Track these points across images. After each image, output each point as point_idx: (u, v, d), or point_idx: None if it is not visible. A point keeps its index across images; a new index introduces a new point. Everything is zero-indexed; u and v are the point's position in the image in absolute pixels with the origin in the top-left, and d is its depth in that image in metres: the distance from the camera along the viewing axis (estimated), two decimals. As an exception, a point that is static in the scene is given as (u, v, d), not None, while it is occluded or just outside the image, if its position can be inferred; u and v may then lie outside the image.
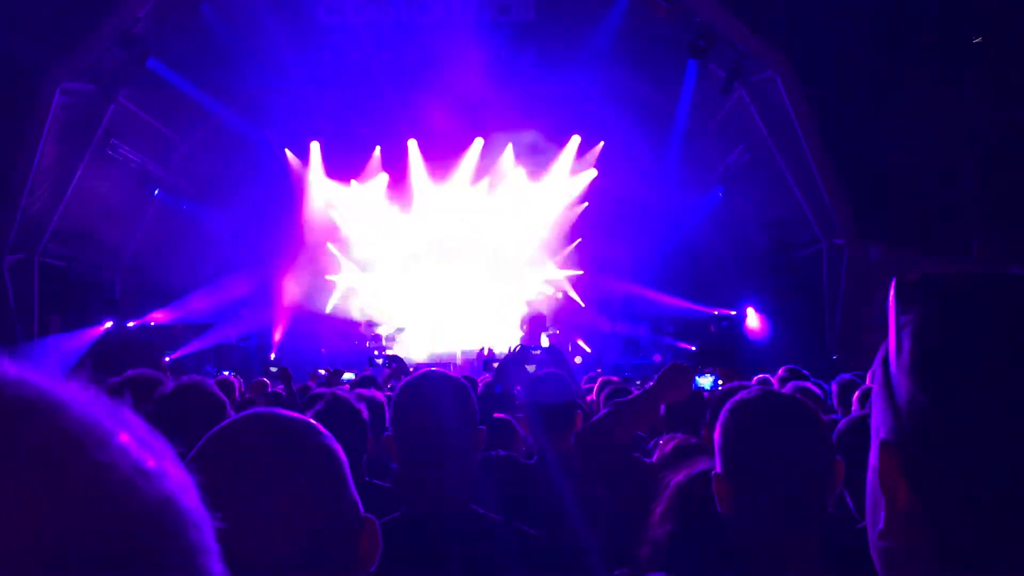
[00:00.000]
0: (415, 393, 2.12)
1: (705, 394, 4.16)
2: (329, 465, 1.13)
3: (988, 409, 0.62)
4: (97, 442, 0.45)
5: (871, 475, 0.73)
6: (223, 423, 1.17)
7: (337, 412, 3.01)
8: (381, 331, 16.65)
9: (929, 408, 0.66)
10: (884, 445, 0.70)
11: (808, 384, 4.89)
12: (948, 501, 0.64)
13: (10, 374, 0.45)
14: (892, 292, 0.73)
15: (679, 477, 2.13)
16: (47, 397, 0.45)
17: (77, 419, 0.45)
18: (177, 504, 0.47)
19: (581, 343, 16.57)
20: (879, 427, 0.72)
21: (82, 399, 0.46)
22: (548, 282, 18.24)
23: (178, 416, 2.27)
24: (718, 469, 1.61)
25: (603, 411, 2.90)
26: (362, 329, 17.36)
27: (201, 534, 0.49)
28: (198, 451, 1.12)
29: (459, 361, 16.00)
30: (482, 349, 15.46)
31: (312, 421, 1.18)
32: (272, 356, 12.32)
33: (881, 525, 0.70)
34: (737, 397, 1.69)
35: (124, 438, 0.46)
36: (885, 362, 0.73)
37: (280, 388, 6.55)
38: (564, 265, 18.48)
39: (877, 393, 0.74)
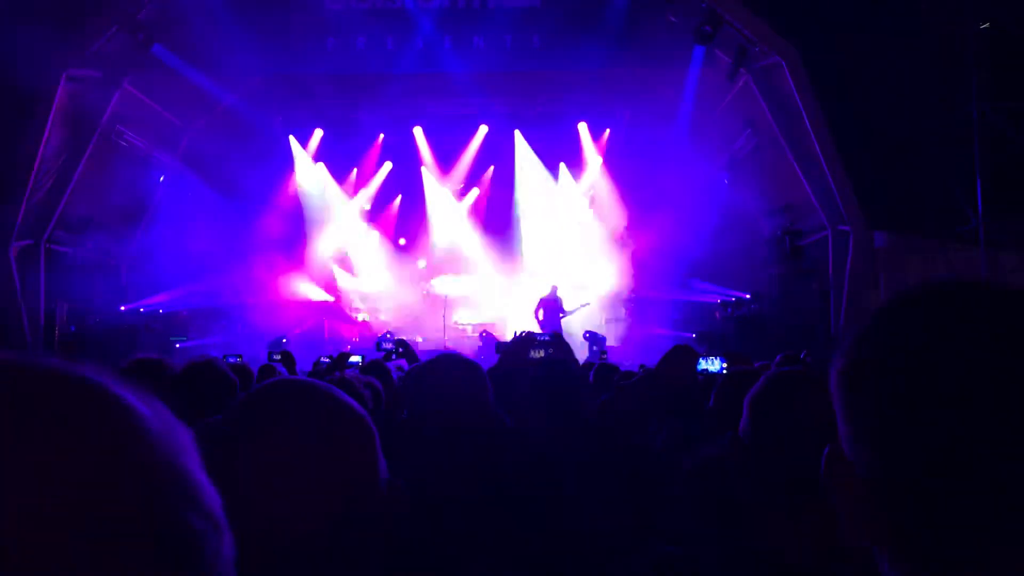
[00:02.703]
0: (432, 372, 2.14)
1: (700, 379, 4.18)
2: (364, 430, 1.14)
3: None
4: (121, 413, 0.50)
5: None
6: (256, 388, 1.18)
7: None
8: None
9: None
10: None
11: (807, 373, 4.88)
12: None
13: (44, 362, 0.51)
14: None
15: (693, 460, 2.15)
16: (77, 377, 0.50)
17: (104, 393, 0.50)
18: (183, 470, 0.51)
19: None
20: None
21: (108, 378, 0.52)
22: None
23: (191, 393, 2.30)
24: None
25: (606, 395, 2.92)
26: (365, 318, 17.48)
27: (215, 532, 0.52)
28: (232, 415, 1.14)
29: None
30: (482, 332, 15.53)
31: (335, 388, 1.19)
32: (284, 340, 12.34)
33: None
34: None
35: (146, 411, 0.51)
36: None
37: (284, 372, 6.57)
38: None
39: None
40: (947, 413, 0.66)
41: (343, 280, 18.35)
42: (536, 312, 15.66)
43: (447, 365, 2.18)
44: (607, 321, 16.60)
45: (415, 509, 1.98)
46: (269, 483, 1.05)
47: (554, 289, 16.02)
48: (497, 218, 18.89)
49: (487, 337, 15.19)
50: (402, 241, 18.64)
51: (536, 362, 3.30)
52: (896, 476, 0.69)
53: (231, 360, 7.23)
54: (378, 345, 6.48)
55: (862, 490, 0.72)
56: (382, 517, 1.11)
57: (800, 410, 1.64)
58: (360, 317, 17.43)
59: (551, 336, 4.62)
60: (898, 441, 0.69)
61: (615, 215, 17.95)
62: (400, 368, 5.95)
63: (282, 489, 1.05)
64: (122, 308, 14.38)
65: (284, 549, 1.04)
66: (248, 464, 1.07)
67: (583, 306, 15.96)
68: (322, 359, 7.16)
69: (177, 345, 14.48)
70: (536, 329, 14.39)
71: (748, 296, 14.22)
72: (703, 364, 4.38)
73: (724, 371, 4.93)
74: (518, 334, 3.91)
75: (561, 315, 15.45)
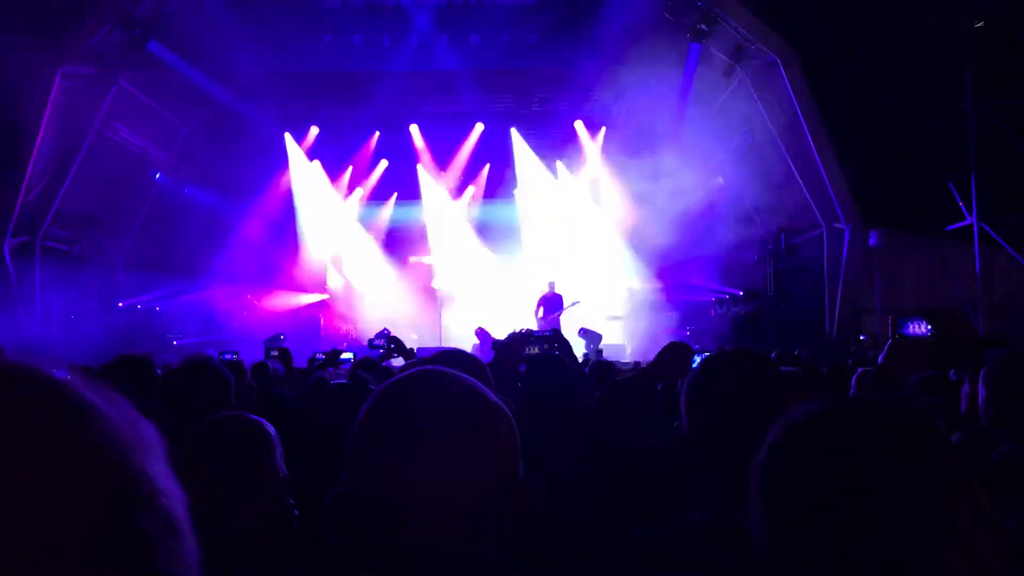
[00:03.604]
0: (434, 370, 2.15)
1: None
2: (500, 424, 1.13)
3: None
4: (78, 414, 0.49)
5: None
6: (396, 378, 1.17)
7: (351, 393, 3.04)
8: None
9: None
10: None
11: (799, 368, 4.91)
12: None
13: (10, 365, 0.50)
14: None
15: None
16: (43, 380, 0.50)
17: (65, 396, 0.50)
18: (147, 479, 0.50)
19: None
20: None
21: (74, 381, 0.51)
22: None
23: (187, 390, 2.31)
24: None
25: (601, 392, 2.94)
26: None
27: (166, 509, 0.51)
28: (375, 406, 1.12)
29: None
30: (478, 329, 15.52)
31: (482, 386, 1.18)
32: (282, 336, 12.32)
33: None
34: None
35: (109, 415, 0.51)
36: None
37: (280, 370, 6.58)
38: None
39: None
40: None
41: (334, 280, 18.35)
42: (536, 311, 15.68)
43: (451, 362, 2.19)
44: (605, 318, 16.60)
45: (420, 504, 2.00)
46: (412, 475, 1.05)
47: (551, 286, 16.04)
48: (493, 215, 18.90)
49: (483, 334, 15.19)
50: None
51: (529, 358, 3.31)
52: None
53: (227, 357, 7.25)
54: (370, 343, 6.48)
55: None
56: (516, 517, 1.09)
57: (734, 391, 1.67)
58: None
59: (551, 332, 4.63)
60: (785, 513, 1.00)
61: (614, 211, 17.95)
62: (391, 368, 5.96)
63: (425, 480, 1.04)
64: (120, 304, 14.37)
65: (423, 541, 1.03)
66: (390, 455, 1.06)
67: (573, 304, 15.99)
68: (317, 355, 7.17)
69: (175, 343, 14.47)
70: (536, 328, 14.39)
71: (741, 293, 14.24)
72: (699, 361, 4.39)
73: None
74: (514, 331, 3.92)
75: (556, 313, 15.45)
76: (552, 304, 15.61)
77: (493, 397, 1.16)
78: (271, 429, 1.80)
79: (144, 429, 0.53)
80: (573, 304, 16.01)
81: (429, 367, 1.20)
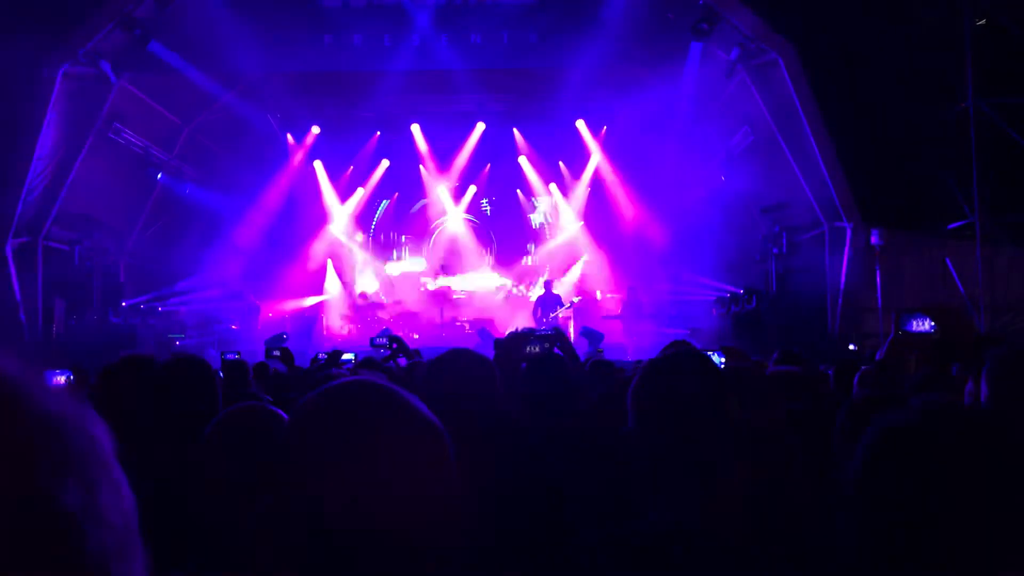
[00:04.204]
0: (445, 367, 2.14)
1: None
2: (432, 434, 1.12)
3: None
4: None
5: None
6: (328, 385, 1.15)
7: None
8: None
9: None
10: None
11: (795, 369, 4.89)
12: None
13: None
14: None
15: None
16: None
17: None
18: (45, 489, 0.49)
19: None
20: None
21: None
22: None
23: (174, 390, 2.31)
24: None
25: (601, 391, 2.94)
26: (358, 300, 17.50)
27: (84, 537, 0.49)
28: (302, 411, 1.11)
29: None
30: (480, 328, 15.52)
31: (409, 395, 1.16)
32: (285, 335, 12.32)
33: None
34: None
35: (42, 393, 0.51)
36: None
37: (283, 369, 6.57)
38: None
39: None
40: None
41: (333, 281, 18.36)
42: (535, 311, 15.69)
43: (460, 361, 2.19)
44: (603, 318, 16.59)
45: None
46: (340, 488, 1.03)
47: (548, 285, 16.04)
48: (495, 214, 18.92)
49: (485, 334, 15.18)
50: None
51: (529, 357, 3.31)
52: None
53: (229, 357, 7.24)
54: (372, 342, 6.47)
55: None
56: (452, 527, 1.09)
57: (677, 392, 1.68)
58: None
59: (553, 331, 4.62)
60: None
61: (615, 210, 17.96)
62: (397, 365, 5.95)
63: (352, 496, 1.03)
64: (124, 304, 14.37)
65: (352, 555, 1.02)
66: (314, 469, 1.05)
67: (572, 304, 16.02)
68: (319, 355, 7.17)
69: (177, 343, 14.46)
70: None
71: (741, 291, 14.21)
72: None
73: (722, 367, 4.93)
74: (515, 330, 3.92)
75: (553, 313, 15.44)
76: (549, 304, 15.61)
77: (425, 410, 1.14)
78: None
79: (93, 432, 0.52)
80: (572, 304, 16.02)
81: (357, 378, 1.18)
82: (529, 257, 18.75)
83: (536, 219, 18.90)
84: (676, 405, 1.65)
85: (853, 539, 1.02)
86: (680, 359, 1.79)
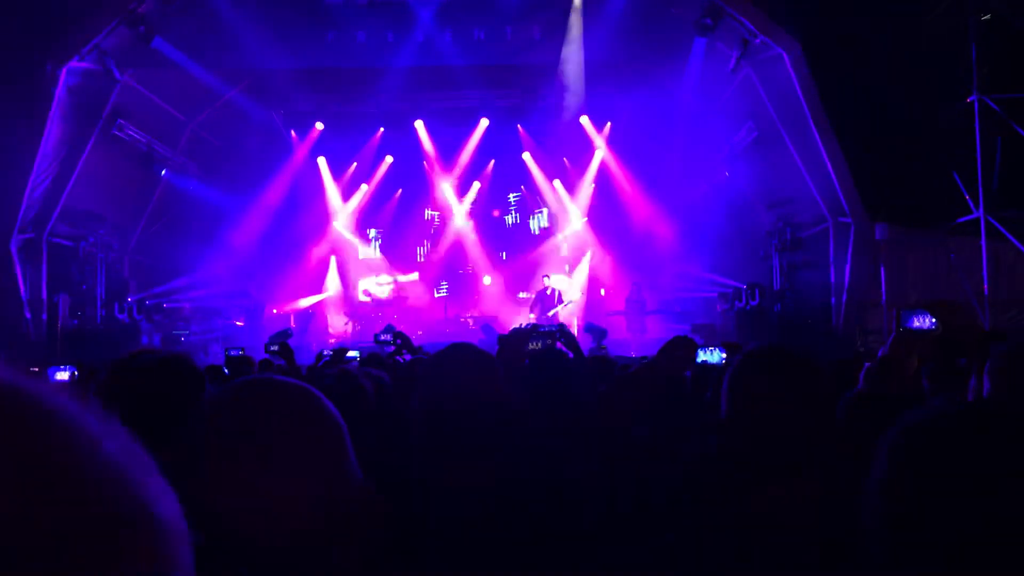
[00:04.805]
0: (445, 362, 2.14)
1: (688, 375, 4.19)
2: (329, 431, 1.11)
3: None
4: (81, 449, 0.46)
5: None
6: (226, 387, 1.15)
7: (344, 389, 3.04)
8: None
9: None
10: None
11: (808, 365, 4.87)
12: None
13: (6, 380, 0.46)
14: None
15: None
16: (39, 406, 0.46)
17: (65, 427, 0.46)
18: (153, 511, 0.47)
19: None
20: None
21: (72, 409, 0.47)
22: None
23: (160, 388, 2.31)
24: None
25: (603, 387, 2.94)
26: (361, 297, 17.54)
27: (173, 543, 0.48)
28: (200, 414, 1.10)
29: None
30: (484, 324, 15.53)
31: (311, 388, 1.15)
32: (289, 331, 12.33)
33: None
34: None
35: (110, 447, 0.47)
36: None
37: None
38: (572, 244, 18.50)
39: None
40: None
41: (335, 280, 18.38)
42: (532, 307, 15.69)
43: (460, 356, 2.18)
44: (606, 314, 16.60)
45: (433, 496, 2.00)
46: (238, 487, 1.02)
47: (547, 281, 16.04)
48: (500, 211, 18.92)
49: (489, 330, 15.19)
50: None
51: (532, 353, 3.31)
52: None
53: (233, 353, 7.24)
54: (376, 338, 6.47)
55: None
56: (356, 521, 1.08)
57: (775, 386, 1.66)
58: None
59: (557, 327, 4.61)
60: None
61: (618, 206, 17.94)
62: (399, 362, 5.95)
63: (251, 493, 1.02)
64: (130, 299, 14.39)
65: (254, 552, 1.01)
66: (218, 468, 1.04)
67: (572, 302, 16.03)
68: (324, 352, 7.17)
69: (182, 339, 14.50)
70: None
71: (744, 286, 14.20)
72: (702, 355, 4.37)
73: (724, 362, 4.94)
74: (518, 326, 3.92)
75: (550, 312, 15.42)
76: (549, 301, 15.60)
77: (328, 406, 1.13)
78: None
79: (132, 442, 0.49)
80: (572, 301, 16.02)
81: (259, 375, 1.17)
82: (530, 253, 18.72)
83: (535, 225, 18.88)
84: (775, 402, 1.64)
85: (879, 542, 1.00)
86: (777, 354, 1.79)
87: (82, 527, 0.42)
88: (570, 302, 16.01)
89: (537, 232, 18.82)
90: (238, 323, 15.94)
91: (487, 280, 18.18)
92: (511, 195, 18.84)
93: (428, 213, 18.81)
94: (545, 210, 18.66)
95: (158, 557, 0.46)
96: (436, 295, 18.19)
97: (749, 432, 1.65)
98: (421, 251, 18.79)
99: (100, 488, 0.44)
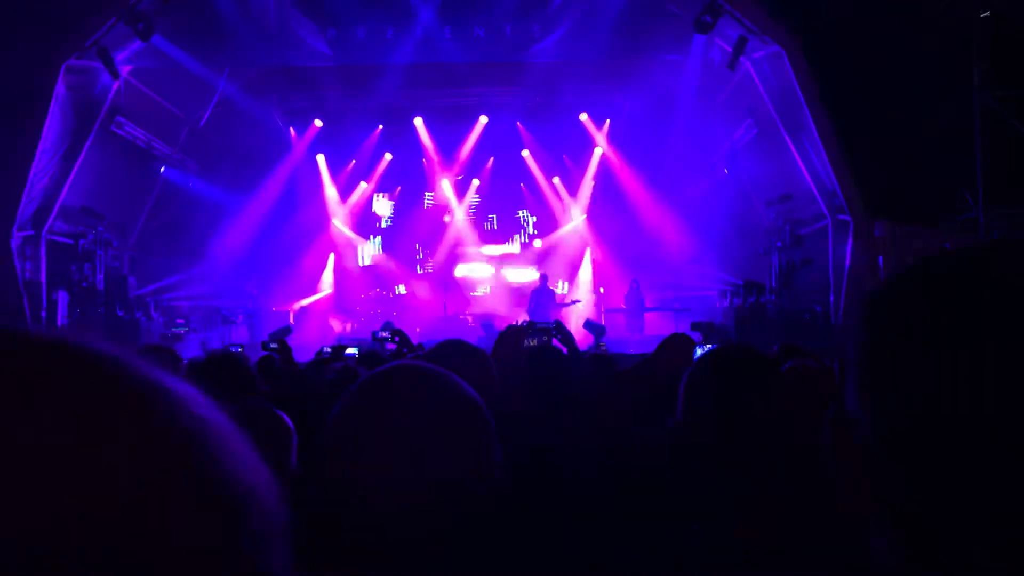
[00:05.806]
0: (438, 360, 2.15)
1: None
2: (479, 418, 1.13)
3: None
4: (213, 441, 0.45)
5: None
6: (378, 370, 1.17)
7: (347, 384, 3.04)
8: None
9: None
10: None
11: (808, 361, 4.86)
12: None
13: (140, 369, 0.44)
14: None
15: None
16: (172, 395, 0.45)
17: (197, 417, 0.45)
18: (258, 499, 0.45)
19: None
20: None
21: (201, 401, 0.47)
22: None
23: (212, 385, 2.32)
24: None
25: (602, 384, 2.94)
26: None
27: (273, 531, 0.45)
28: (356, 392, 1.13)
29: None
30: (484, 321, 15.54)
31: (457, 377, 1.17)
32: (289, 328, 12.35)
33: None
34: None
35: (235, 443, 0.46)
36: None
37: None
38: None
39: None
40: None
41: (333, 276, 18.39)
42: (529, 304, 15.69)
43: (453, 353, 2.18)
44: (606, 311, 16.61)
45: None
46: (386, 469, 1.05)
47: (543, 279, 16.04)
48: (499, 208, 18.92)
49: (488, 326, 15.19)
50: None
51: (528, 350, 3.31)
52: (896, 424, 0.65)
53: (232, 350, 7.25)
54: (374, 335, 6.48)
55: (859, 454, 0.69)
56: (491, 503, 1.09)
57: (730, 389, 1.64)
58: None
59: (554, 324, 4.62)
60: (906, 381, 0.65)
61: (617, 203, 17.95)
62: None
63: (398, 474, 1.04)
64: (132, 296, 14.39)
65: (398, 534, 1.03)
66: (366, 449, 1.06)
67: (573, 303, 16.03)
68: (324, 349, 7.18)
69: (181, 336, 14.50)
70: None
71: (742, 283, 14.20)
72: (700, 353, 4.38)
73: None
74: (515, 323, 3.93)
75: (551, 309, 15.42)
76: (544, 298, 15.59)
77: (471, 391, 1.15)
78: (289, 423, 1.79)
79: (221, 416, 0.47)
80: (573, 302, 16.03)
81: (408, 362, 1.20)
82: (535, 250, 18.72)
83: (543, 213, 18.90)
84: (732, 403, 1.60)
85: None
86: (735, 352, 1.75)
87: (195, 513, 0.40)
88: (578, 301, 16.02)
89: (526, 240, 18.88)
90: (237, 320, 15.94)
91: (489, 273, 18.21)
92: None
93: (427, 201, 18.81)
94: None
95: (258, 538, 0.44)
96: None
97: (698, 434, 1.62)
98: (420, 249, 18.80)
99: (217, 467, 0.43)
